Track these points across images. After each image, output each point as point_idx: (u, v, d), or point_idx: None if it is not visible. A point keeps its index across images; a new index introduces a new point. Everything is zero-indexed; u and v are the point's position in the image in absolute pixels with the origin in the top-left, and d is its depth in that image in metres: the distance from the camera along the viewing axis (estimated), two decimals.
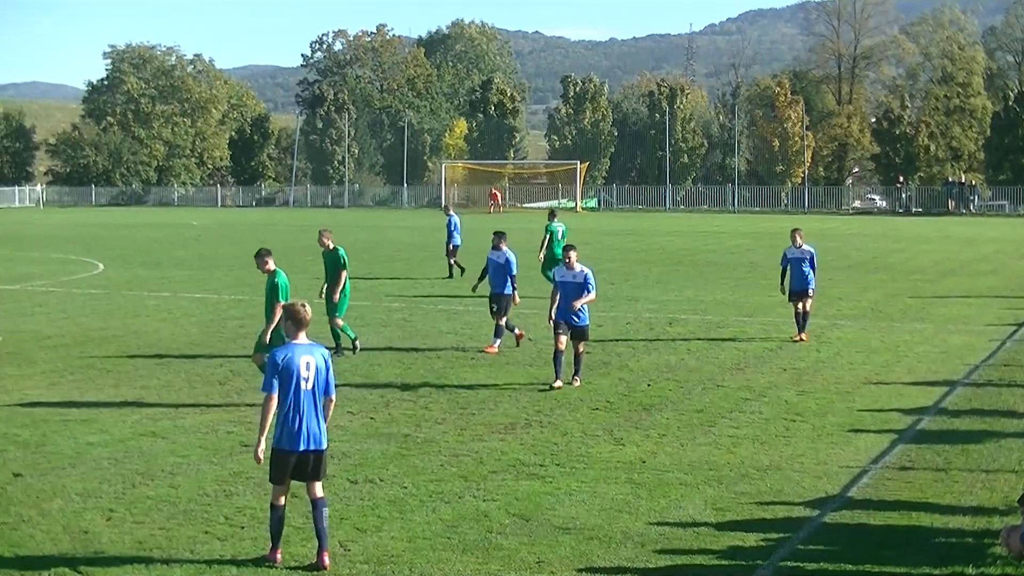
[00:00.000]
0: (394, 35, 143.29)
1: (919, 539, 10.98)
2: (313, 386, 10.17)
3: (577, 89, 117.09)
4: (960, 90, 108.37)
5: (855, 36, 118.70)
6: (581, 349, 18.40)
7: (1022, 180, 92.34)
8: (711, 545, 10.79)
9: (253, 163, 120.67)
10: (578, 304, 18.05)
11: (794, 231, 23.64)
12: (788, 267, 23.38)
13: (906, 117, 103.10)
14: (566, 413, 16.43)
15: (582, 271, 18.15)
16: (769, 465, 13.57)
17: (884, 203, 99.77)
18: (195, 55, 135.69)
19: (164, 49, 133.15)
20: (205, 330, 24.80)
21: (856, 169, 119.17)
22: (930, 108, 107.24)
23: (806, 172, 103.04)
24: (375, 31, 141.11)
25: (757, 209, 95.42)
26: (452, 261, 36.10)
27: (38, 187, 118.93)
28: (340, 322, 21.31)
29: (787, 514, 11.75)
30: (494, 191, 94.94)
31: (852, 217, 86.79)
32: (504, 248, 22.31)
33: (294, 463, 10.13)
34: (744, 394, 17.82)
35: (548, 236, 31.70)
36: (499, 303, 22.07)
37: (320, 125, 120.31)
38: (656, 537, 10.99)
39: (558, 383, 18.02)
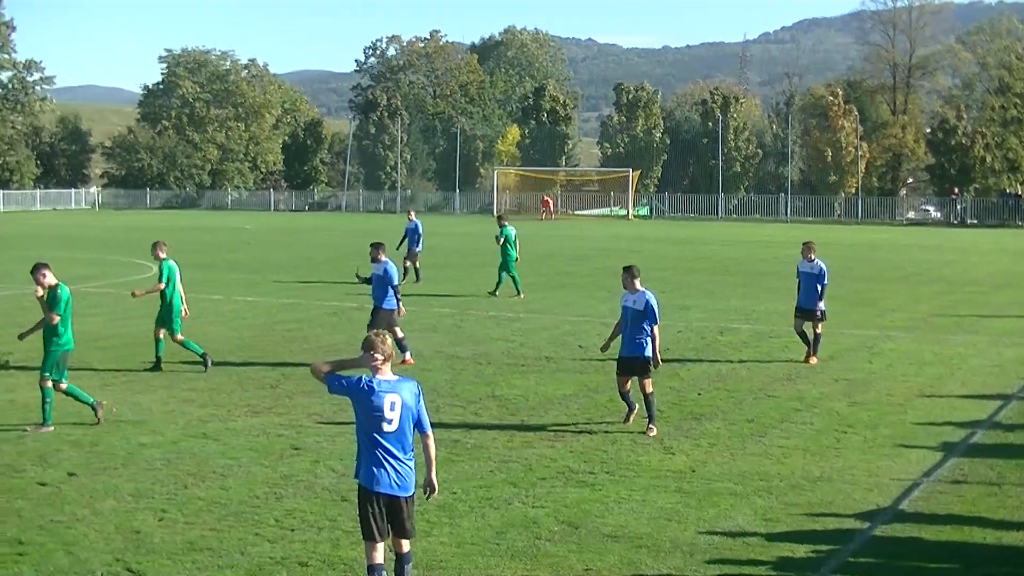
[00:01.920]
0: (447, 41, 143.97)
1: (970, 554, 10.88)
2: (399, 427, 8.99)
3: (630, 97, 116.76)
4: (1017, 100, 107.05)
5: (910, 45, 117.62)
6: (649, 388, 15.80)
7: None
8: (760, 556, 10.75)
9: (306, 168, 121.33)
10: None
11: (805, 244, 22.23)
12: (800, 281, 22.16)
13: (961, 128, 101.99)
14: (616, 421, 16.40)
15: (643, 294, 15.71)
16: (819, 476, 13.49)
17: (938, 214, 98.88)
18: (249, 60, 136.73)
19: (219, 54, 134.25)
20: (256, 333, 24.96)
21: (910, 180, 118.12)
22: (986, 119, 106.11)
23: (860, 182, 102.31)
24: (428, 37, 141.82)
25: (810, 219, 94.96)
26: (409, 264, 36.30)
27: (93, 189, 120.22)
28: (180, 337, 20.28)
29: (837, 526, 11.68)
30: (546, 198, 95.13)
31: (906, 228, 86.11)
32: (384, 259, 20.81)
33: (381, 511, 9.01)
34: (795, 404, 17.73)
35: (503, 240, 32.62)
36: (385, 319, 20.48)
37: (373, 130, 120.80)
38: (705, 547, 10.95)
39: (630, 420, 16.20)
